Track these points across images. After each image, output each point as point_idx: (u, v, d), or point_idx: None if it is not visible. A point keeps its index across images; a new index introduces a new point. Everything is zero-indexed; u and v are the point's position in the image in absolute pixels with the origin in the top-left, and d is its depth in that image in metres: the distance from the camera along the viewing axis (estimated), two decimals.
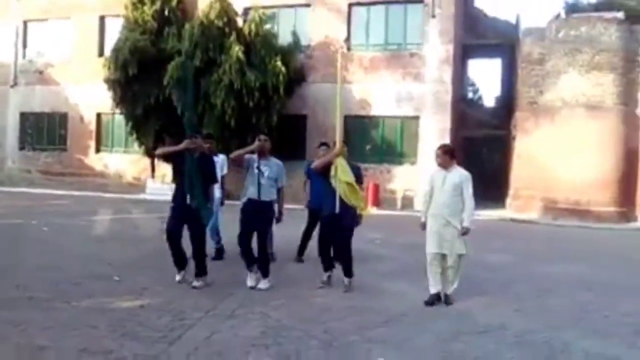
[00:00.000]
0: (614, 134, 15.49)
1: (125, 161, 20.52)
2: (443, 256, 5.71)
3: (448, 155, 5.73)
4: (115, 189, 19.62)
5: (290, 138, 17.82)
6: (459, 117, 19.27)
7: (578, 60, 15.47)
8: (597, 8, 24.38)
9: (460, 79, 21.32)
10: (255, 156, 6.17)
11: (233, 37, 15.58)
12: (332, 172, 6.08)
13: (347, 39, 18.30)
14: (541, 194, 16.14)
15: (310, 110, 18.46)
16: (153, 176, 19.30)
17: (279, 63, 16.04)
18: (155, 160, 19.30)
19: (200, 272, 6.16)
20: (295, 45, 17.65)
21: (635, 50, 15.76)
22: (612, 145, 15.44)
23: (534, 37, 16.99)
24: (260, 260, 6.16)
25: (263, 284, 6.08)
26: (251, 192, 6.11)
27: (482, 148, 23.36)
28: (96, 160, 20.90)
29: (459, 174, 5.72)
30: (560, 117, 15.84)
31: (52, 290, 5.69)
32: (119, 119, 19.64)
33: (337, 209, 5.98)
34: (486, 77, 53.02)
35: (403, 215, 15.20)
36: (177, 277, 6.24)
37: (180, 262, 6.24)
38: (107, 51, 18.29)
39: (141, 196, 17.92)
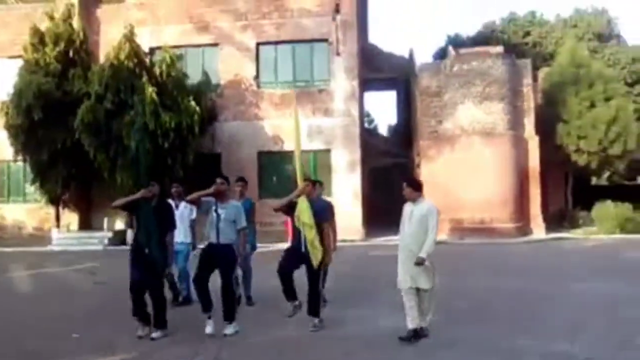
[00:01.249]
0: (506, 157, 17.19)
1: (24, 211, 19.15)
2: (416, 290, 5.55)
3: (411, 187, 5.72)
4: (14, 241, 18.16)
5: (205, 177, 17.70)
6: (364, 148, 20.29)
7: (472, 92, 17.09)
8: (475, 41, 27.07)
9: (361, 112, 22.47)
10: (212, 199, 6.20)
11: (145, 78, 15.37)
12: (297, 212, 6.10)
13: (257, 77, 18.74)
14: (448, 215, 17.36)
15: (224, 149, 18.53)
16: (58, 226, 18.20)
17: (192, 103, 16.04)
18: (60, 209, 18.28)
19: (160, 323, 6.01)
20: (206, 84, 17.73)
21: (519, 81, 17.73)
22: (506, 167, 17.11)
23: (430, 72, 18.51)
24: (225, 304, 6.00)
25: (229, 330, 5.93)
26: (210, 235, 6.13)
27: (388, 177, 24.58)
28: None
29: (426, 206, 5.66)
30: (459, 144, 17.30)
31: (21, 354, 5.36)
32: (16, 166, 18.43)
33: (303, 249, 6.00)
34: (381, 108, 55.90)
35: None
36: (139, 332, 5.96)
37: (143, 315, 6.02)
38: (2, 95, 17.17)
39: (47, 248, 16.79)
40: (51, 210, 18.23)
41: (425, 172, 18.23)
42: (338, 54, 18.39)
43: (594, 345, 5.29)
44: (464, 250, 14.55)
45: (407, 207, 5.76)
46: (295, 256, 6.21)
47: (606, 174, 29.37)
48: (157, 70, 16.04)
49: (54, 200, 17.48)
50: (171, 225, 6.34)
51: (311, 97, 18.53)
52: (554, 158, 19.32)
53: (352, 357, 5.04)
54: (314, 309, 6.12)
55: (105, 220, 17.67)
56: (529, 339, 5.48)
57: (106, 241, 17.03)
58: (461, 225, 16.86)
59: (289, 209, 6.31)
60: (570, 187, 21.48)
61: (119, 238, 17.00)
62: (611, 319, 6.34)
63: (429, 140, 18.45)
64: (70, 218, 18.67)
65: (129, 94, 15.53)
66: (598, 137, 18.87)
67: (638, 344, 5.34)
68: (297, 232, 6.22)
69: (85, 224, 18.56)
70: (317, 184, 6.94)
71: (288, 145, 18.65)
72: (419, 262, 5.42)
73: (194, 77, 17.64)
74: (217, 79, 18.46)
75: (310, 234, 5.98)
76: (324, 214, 6.31)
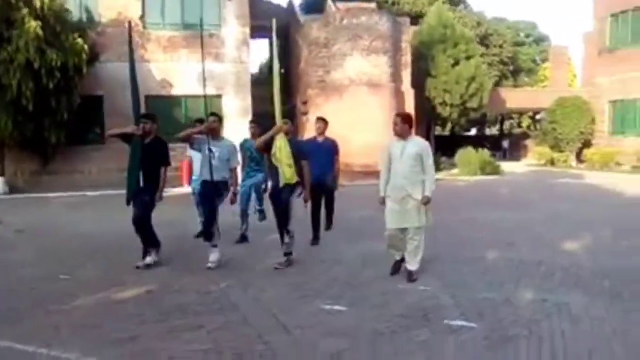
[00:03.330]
0: (388, 107, 18.68)
1: None
2: (403, 230, 5.53)
3: (407, 124, 5.44)
4: None
5: (86, 121, 16.74)
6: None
7: (359, 45, 18.15)
8: None
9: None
10: (205, 137, 6.33)
11: (26, 11, 13.80)
12: (273, 151, 6.10)
13: (143, 17, 17.73)
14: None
15: (107, 92, 17.44)
16: None
17: (80, 40, 14.84)
18: None
19: (153, 243, 6.29)
20: (90, 22, 16.40)
21: (400, 38, 19.17)
22: (389, 116, 18.37)
23: (320, 24, 19.13)
24: (205, 225, 6.33)
25: (213, 256, 6.12)
26: (204, 173, 6.30)
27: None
28: None
29: (418, 144, 5.47)
30: (347, 93, 18.39)
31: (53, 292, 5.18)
32: None
33: (281, 185, 6.12)
34: (260, 56, 55.27)
35: None
36: (149, 260, 6.22)
37: (154, 242, 6.30)
38: None
39: None
40: None
41: (314, 119, 19.08)
42: None
43: (530, 252, 6.67)
44: (353, 191, 15.85)
45: (396, 145, 5.49)
46: (279, 196, 6.22)
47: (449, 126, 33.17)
48: (37, 3, 14.43)
49: None
50: (165, 162, 6.38)
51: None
52: (423, 109, 21.45)
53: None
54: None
55: None
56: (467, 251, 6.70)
57: None
58: (351, 169, 18.14)
59: (267, 147, 6.24)
60: (433, 135, 24.05)
61: None
62: (527, 234, 7.88)
63: (317, 89, 19.26)
64: None
65: (4, 27, 13.87)
66: (460, 92, 21.34)
67: (563, 249, 6.84)
68: (275, 171, 6.16)
69: None
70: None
71: (177, 90, 18.18)
72: (426, 202, 5.34)
73: (75, 14, 16.18)
74: (98, 17, 17.11)
75: (288, 172, 6.03)
76: (303, 152, 6.38)
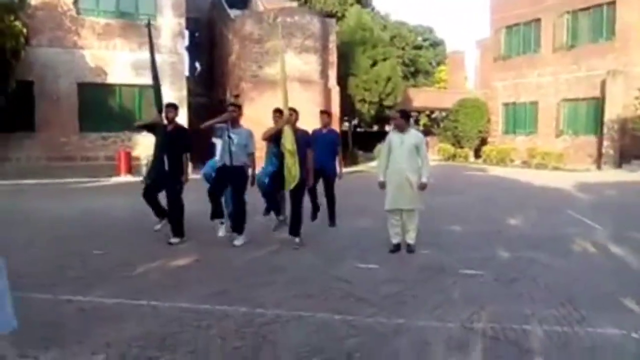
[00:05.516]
0: (318, 103, 19.91)
1: None
2: (400, 211, 6.37)
3: (405, 118, 6.47)
4: None
5: (16, 107, 16.22)
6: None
7: (293, 43, 19.22)
8: None
9: None
10: (225, 125, 7.15)
11: None
12: (282, 140, 6.67)
13: (76, 2, 17.43)
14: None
15: (37, 77, 16.99)
16: None
17: (18, 23, 14.47)
18: None
19: (177, 232, 6.97)
20: (21, 2, 15.88)
21: (327, 37, 20.50)
22: (317, 111, 19.91)
23: (253, 20, 19.91)
24: (236, 218, 7.00)
25: (238, 241, 6.87)
26: (224, 158, 7.08)
27: (202, 114, 25.28)
28: None
29: (415, 136, 6.38)
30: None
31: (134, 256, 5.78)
32: None
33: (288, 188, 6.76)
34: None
35: None
36: (157, 227, 7.10)
37: (158, 210, 7.14)
38: None
39: None
40: None
41: (248, 111, 19.88)
42: None
43: (484, 225, 8.29)
44: None
45: (396, 136, 6.39)
46: (279, 180, 6.89)
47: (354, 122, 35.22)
48: None
49: None
50: (185, 148, 7.09)
51: (137, 31, 18.11)
52: (344, 106, 23.00)
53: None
54: (295, 229, 6.82)
55: None
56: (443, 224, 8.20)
57: None
58: None
59: (276, 137, 6.90)
60: (350, 130, 25.75)
61: None
62: (473, 213, 9.55)
63: (250, 83, 20.05)
64: None
65: None
66: (379, 90, 23.17)
67: (509, 224, 8.53)
68: (281, 158, 6.81)
69: None
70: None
71: (111, 78, 18.12)
72: (424, 187, 6.29)
73: None
74: None
75: (291, 160, 6.55)
76: (309, 143, 7.08)
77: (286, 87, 7.29)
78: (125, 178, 16.91)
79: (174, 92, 18.67)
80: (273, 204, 7.38)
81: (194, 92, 23.87)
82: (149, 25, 7.57)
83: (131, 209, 9.21)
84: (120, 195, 12.29)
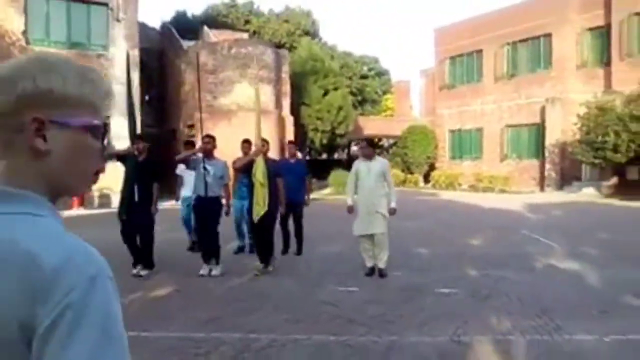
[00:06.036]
0: (273, 132, 20.21)
1: None
2: (370, 236, 6.57)
3: (372, 147, 6.97)
4: None
5: None
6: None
7: (248, 73, 19.49)
8: (202, 20, 29.22)
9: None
10: (200, 156, 7.22)
11: None
12: (253, 171, 6.76)
13: (25, 32, 17.10)
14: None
15: None
16: None
17: None
18: None
19: (147, 264, 6.90)
20: None
21: (280, 68, 20.91)
22: (274, 140, 20.10)
23: (207, 50, 20.09)
24: (211, 249, 6.95)
25: (215, 271, 6.85)
26: (198, 189, 7.14)
27: (152, 145, 24.94)
28: None
29: (381, 163, 6.71)
30: (236, 118, 19.55)
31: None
32: None
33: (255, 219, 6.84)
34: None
35: (103, 212, 14.94)
36: (134, 271, 6.79)
37: (135, 254, 6.88)
38: None
39: None
40: None
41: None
42: (118, 20, 18.31)
43: (447, 247, 8.66)
44: None
45: (363, 165, 6.67)
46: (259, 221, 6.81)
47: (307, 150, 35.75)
48: None
49: None
50: (155, 179, 7.08)
51: (89, 62, 17.80)
52: (297, 135, 23.37)
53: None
54: (265, 256, 6.90)
55: None
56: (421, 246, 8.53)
57: None
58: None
59: (247, 168, 6.96)
60: (304, 159, 26.06)
61: None
62: (434, 236, 9.94)
63: (205, 113, 20.06)
64: None
65: None
66: (331, 119, 23.70)
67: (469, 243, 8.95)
68: (251, 188, 6.84)
69: None
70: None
71: None
72: (393, 212, 6.58)
73: None
74: None
75: (261, 191, 6.61)
76: (278, 173, 7.21)
77: (260, 118, 7.51)
78: (77, 211, 16.42)
79: (131, 124, 18.50)
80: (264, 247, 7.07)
81: (145, 122, 23.71)
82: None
83: (93, 244, 8.99)
84: (77, 229, 11.94)
